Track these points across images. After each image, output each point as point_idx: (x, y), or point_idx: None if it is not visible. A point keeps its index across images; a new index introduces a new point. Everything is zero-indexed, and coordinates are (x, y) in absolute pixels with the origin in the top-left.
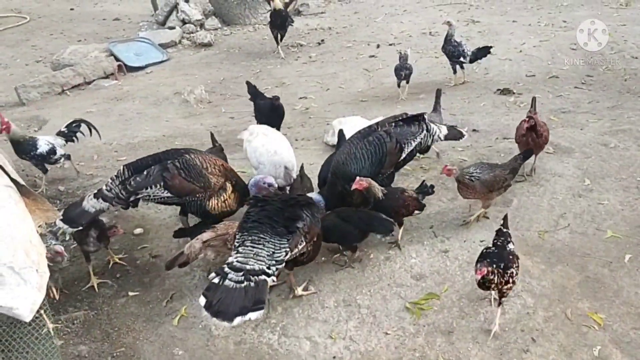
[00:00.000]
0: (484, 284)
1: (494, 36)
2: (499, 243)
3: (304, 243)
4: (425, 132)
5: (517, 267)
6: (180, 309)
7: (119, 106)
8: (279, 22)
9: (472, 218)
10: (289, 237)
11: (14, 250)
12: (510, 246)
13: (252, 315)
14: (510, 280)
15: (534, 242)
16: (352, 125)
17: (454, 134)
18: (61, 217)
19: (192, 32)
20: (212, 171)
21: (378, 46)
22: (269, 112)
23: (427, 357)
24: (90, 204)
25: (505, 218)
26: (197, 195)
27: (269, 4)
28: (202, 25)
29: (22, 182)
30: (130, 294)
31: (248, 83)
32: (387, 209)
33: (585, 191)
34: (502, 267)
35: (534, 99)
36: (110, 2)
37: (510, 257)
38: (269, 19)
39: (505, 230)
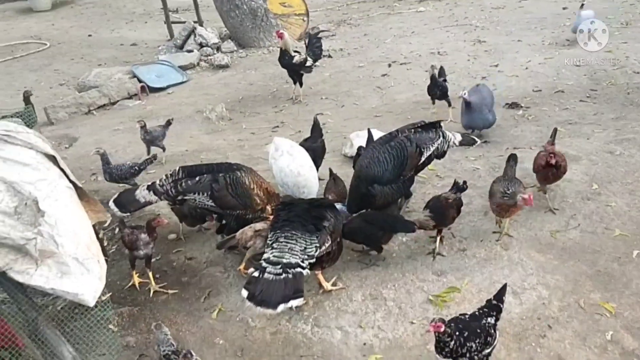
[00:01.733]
0: (438, 343)
1: (500, 55)
2: (477, 313)
3: (330, 241)
4: (441, 138)
5: (486, 344)
6: (217, 304)
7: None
8: (285, 63)
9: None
10: (318, 234)
11: (77, 244)
12: (490, 320)
13: (294, 303)
14: (468, 356)
15: (546, 241)
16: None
17: (468, 141)
18: (113, 199)
19: (210, 55)
20: (257, 193)
21: (389, 65)
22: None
23: None
24: (142, 194)
25: (501, 289)
26: (238, 211)
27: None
28: (218, 49)
29: (80, 185)
30: (170, 292)
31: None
32: (440, 218)
33: (594, 195)
34: (464, 335)
35: (554, 131)
36: (126, 29)
37: (479, 330)
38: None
39: (494, 302)
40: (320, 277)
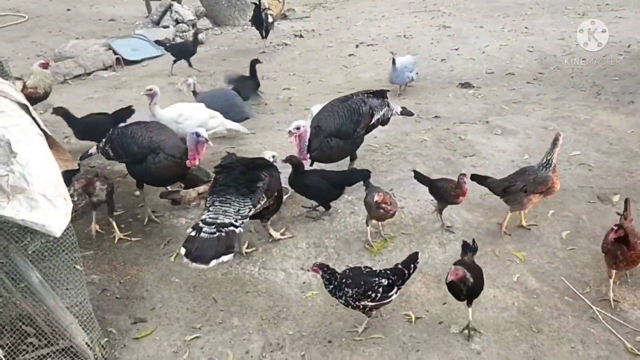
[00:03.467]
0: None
1: (461, 40)
2: (376, 270)
3: (265, 199)
4: (387, 106)
5: (365, 296)
6: (176, 250)
7: (117, 94)
8: (254, 17)
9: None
10: (252, 195)
11: (46, 183)
12: (382, 280)
13: (225, 258)
14: (344, 299)
15: (475, 202)
16: None
17: (407, 112)
18: None
19: (185, 31)
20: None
21: (357, 46)
22: None
23: None
24: (93, 149)
25: (410, 256)
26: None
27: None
28: (194, 25)
29: (50, 133)
30: (134, 239)
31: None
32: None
33: (524, 163)
34: (342, 282)
35: (626, 201)
36: (105, 4)
37: (362, 283)
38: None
39: (399, 266)
40: (270, 228)
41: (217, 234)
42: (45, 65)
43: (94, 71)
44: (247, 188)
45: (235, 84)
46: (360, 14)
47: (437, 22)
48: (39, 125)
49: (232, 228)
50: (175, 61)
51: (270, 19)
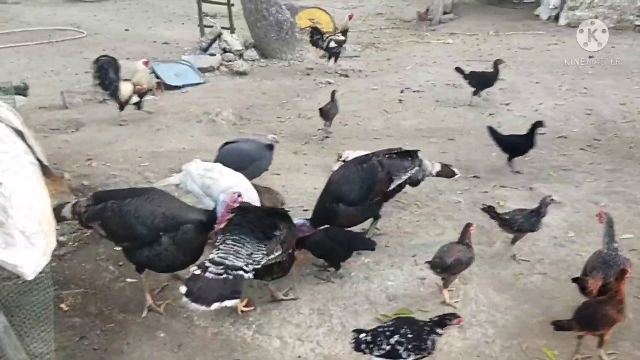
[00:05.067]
0: None
1: (514, 94)
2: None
3: (280, 251)
4: (417, 167)
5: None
6: (169, 298)
7: (151, 118)
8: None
9: None
10: (267, 242)
11: (28, 218)
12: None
13: (229, 303)
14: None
15: (507, 281)
16: None
17: (447, 172)
18: None
19: (231, 61)
20: (144, 222)
21: (402, 91)
22: None
23: None
24: (66, 209)
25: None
26: (125, 243)
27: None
28: (241, 55)
29: (46, 163)
30: (129, 280)
31: None
32: None
33: (567, 242)
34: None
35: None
36: (162, 28)
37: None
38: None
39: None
40: (271, 286)
41: (224, 275)
42: (146, 64)
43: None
44: (264, 233)
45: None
46: (411, 57)
47: None
48: (34, 154)
49: (241, 272)
50: None
51: (332, 44)
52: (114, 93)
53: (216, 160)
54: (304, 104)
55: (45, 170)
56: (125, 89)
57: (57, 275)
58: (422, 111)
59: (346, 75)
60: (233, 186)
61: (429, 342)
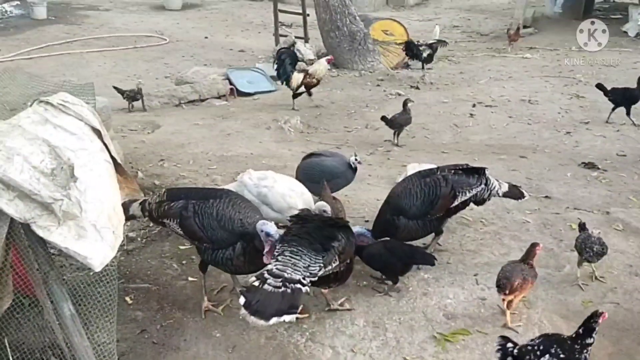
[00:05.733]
0: None
1: (594, 113)
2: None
3: (337, 262)
4: (483, 185)
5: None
6: (227, 299)
7: (223, 123)
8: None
9: None
10: (324, 254)
11: (100, 212)
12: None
13: (287, 318)
14: None
15: (575, 308)
16: None
17: (515, 194)
18: None
19: (304, 70)
20: (226, 226)
21: (474, 105)
22: None
23: None
24: (133, 207)
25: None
26: (205, 244)
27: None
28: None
29: (120, 162)
30: (190, 279)
31: None
32: None
33: None
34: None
35: None
36: (240, 36)
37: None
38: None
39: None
40: (327, 294)
41: (283, 289)
42: (329, 61)
43: (207, 98)
44: (321, 244)
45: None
46: (486, 71)
47: (570, 90)
48: (109, 152)
49: (299, 286)
50: None
51: (425, 54)
52: (286, 82)
53: (298, 170)
54: (372, 115)
55: (119, 168)
56: (296, 79)
57: (125, 269)
58: (494, 127)
59: (417, 87)
60: (287, 192)
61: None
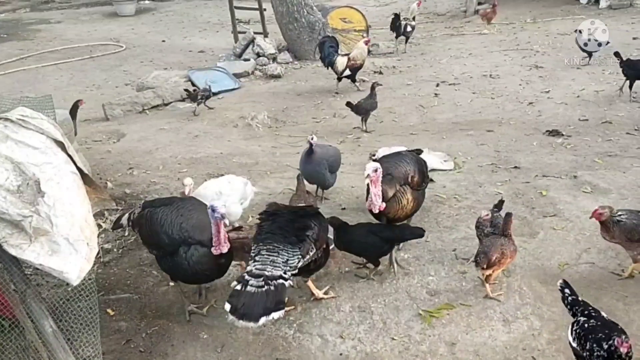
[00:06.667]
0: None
1: (554, 81)
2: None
3: (314, 250)
4: None
5: None
6: (211, 301)
7: (189, 125)
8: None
9: (626, 274)
10: (301, 245)
11: (71, 225)
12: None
13: (275, 315)
14: None
15: (552, 272)
16: None
17: None
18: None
19: (265, 65)
20: (167, 231)
21: (438, 85)
22: None
23: None
24: (124, 218)
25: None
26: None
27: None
28: (274, 59)
29: (87, 172)
30: (171, 284)
31: None
32: None
33: None
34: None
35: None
36: (198, 37)
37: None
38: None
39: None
40: (311, 285)
41: (266, 287)
42: (367, 43)
43: (171, 102)
44: (296, 237)
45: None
46: (446, 50)
47: (529, 61)
48: (75, 164)
49: (281, 281)
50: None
51: (409, 28)
52: (330, 64)
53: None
54: (338, 103)
55: (86, 179)
56: (341, 62)
57: (103, 281)
58: (459, 104)
59: (380, 72)
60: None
61: None
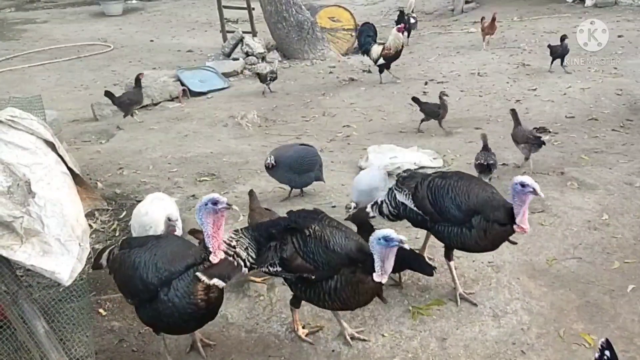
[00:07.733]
0: None
1: (541, 79)
2: None
3: (278, 268)
4: None
5: None
6: None
7: (178, 125)
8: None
9: None
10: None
11: (62, 225)
12: None
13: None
14: None
15: (540, 267)
16: (386, 152)
17: None
18: None
19: (254, 64)
20: None
21: (426, 83)
22: None
23: (418, 358)
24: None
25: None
26: None
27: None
28: (263, 58)
29: (78, 172)
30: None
31: None
32: None
33: (602, 225)
34: None
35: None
36: (186, 36)
37: None
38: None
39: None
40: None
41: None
42: (400, 30)
43: (160, 102)
44: (263, 239)
45: None
46: (434, 49)
47: (516, 59)
48: (65, 164)
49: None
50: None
51: (412, 20)
52: (366, 52)
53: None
54: (328, 102)
55: (77, 179)
56: (375, 51)
57: (95, 282)
58: (447, 102)
59: (369, 71)
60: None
61: None
